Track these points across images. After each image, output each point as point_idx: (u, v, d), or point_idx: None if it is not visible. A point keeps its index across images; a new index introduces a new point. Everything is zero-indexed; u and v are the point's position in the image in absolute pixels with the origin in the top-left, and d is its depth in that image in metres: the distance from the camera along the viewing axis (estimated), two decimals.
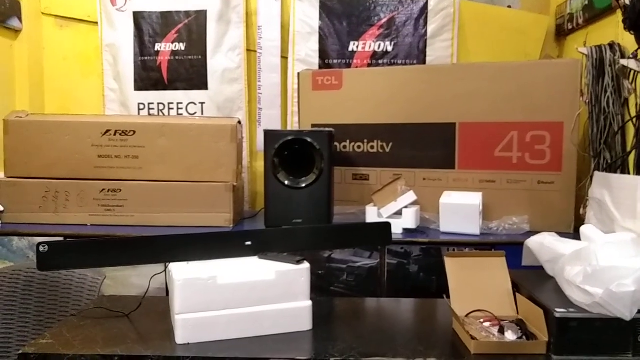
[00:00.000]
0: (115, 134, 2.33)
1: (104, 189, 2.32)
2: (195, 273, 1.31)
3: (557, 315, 1.24)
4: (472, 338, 1.27)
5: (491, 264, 1.50)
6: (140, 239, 1.36)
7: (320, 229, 1.54)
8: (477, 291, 1.46)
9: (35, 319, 1.77)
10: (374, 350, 1.26)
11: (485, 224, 2.18)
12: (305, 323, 1.38)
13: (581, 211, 2.15)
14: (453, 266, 1.49)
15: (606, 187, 1.57)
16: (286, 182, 2.13)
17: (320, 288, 2.08)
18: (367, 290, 2.08)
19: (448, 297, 1.45)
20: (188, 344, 1.28)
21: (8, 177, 2.34)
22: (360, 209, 2.34)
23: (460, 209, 2.14)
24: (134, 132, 2.33)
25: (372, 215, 2.20)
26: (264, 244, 1.47)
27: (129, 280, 2.16)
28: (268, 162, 2.13)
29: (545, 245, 1.48)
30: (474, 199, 2.15)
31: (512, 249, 2.08)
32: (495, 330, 1.35)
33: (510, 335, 1.32)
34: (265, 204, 2.17)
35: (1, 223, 2.30)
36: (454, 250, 2.08)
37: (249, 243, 1.45)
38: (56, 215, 2.31)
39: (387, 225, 1.55)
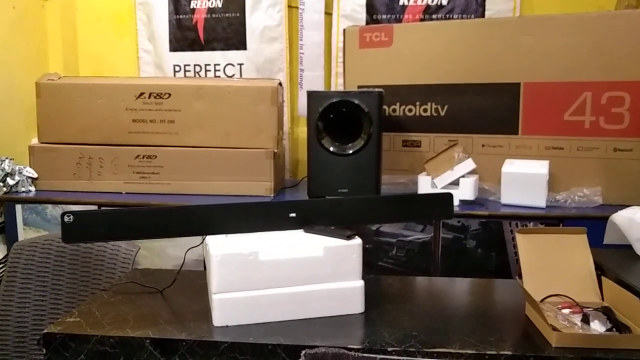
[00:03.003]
0: (149, 97, 2.20)
1: (138, 155, 2.20)
2: (234, 247, 1.16)
3: None
4: (553, 329, 1.09)
5: (570, 241, 1.30)
6: (173, 209, 1.21)
7: (372, 200, 1.36)
8: (554, 273, 1.27)
9: (68, 292, 1.68)
10: (437, 339, 1.10)
11: (552, 195, 1.96)
12: (356, 305, 1.22)
13: None
14: (526, 243, 1.29)
15: None
16: (331, 149, 1.96)
17: (367, 263, 1.90)
18: (419, 267, 1.92)
19: (520, 277, 1.27)
20: (227, 326, 1.15)
21: (42, 143, 2.25)
22: (411, 178, 2.15)
23: (525, 178, 1.93)
24: (169, 94, 2.19)
25: (425, 185, 2.01)
26: (310, 216, 1.31)
27: (165, 251, 2.05)
28: (311, 127, 1.96)
29: (637, 222, 1.27)
30: (540, 167, 1.93)
31: (582, 224, 1.87)
32: (577, 319, 1.17)
33: (596, 326, 1.13)
34: (308, 172, 2.01)
35: (35, 190, 2.22)
36: (516, 225, 1.88)
37: (293, 215, 1.30)
38: (90, 182, 2.21)
39: (449, 197, 1.37)
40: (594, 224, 1.85)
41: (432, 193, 1.36)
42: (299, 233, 1.28)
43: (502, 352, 1.05)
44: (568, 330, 1.11)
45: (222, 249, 1.15)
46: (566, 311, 1.21)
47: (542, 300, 1.23)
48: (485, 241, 1.89)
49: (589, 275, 1.26)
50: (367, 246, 1.92)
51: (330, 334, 1.11)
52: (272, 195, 2.12)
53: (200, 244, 1.32)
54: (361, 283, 1.22)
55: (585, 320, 1.15)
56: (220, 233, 1.24)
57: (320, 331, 1.12)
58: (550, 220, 1.88)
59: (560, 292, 1.24)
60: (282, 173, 2.37)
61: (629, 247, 1.32)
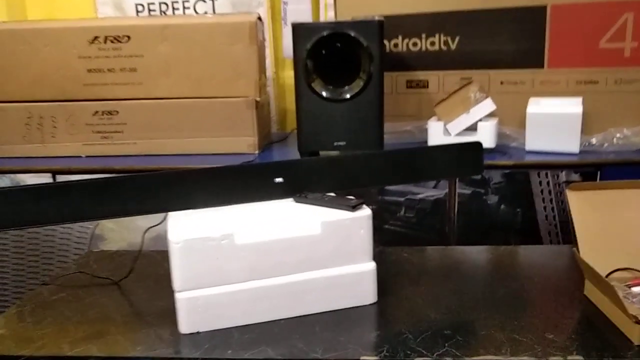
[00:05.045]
0: (105, 42, 1.84)
1: (97, 112, 1.87)
2: (202, 229, 0.86)
3: None
4: (636, 320, 0.81)
5: (636, 197, 1.02)
6: (113, 180, 0.90)
7: (379, 157, 1.06)
8: (619, 239, 0.99)
9: (15, 286, 1.39)
10: (477, 340, 0.82)
11: (585, 138, 1.66)
12: (367, 295, 0.95)
13: None
14: (581, 203, 1.01)
15: None
16: (323, 93, 1.64)
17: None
18: (432, 229, 1.64)
19: (575, 245, 0.98)
20: (198, 333, 0.87)
21: None
22: (418, 125, 1.85)
23: (554, 120, 1.62)
24: (128, 37, 1.83)
25: (436, 132, 1.71)
26: (302, 181, 1.01)
27: (135, 222, 1.75)
28: (299, 67, 1.62)
29: None
30: (572, 105, 1.62)
31: (623, 171, 1.60)
32: None
33: None
34: (297, 123, 1.69)
35: None
36: (546, 175, 1.60)
37: (279, 180, 1.00)
38: (43, 146, 1.89)
39: (477, 147, 1.07)
40: (635, 170, 1.57)
41: (454, 144, 1.07)
42: (289, 204, 0.99)
43: (569, 358, 0.77)
44: None
45: (184, 233, 0.85)
46: (638, 289, 0.93)
47: (606, 277, 0.95)
48: (509, 196, 1.60)
49: None
50: (370, 207, 1.63)
51: (335, 338, 0.83)
52: (257, 152, 1.82)
53: (162, 222, 1.02)
54: (372, 266, 0.94)
55: None
56: (182, 209, 0.94)
57: (321, 336, 0.84)
58: (586, 167, 1.59)
59: (628, 265, 0.96)
60: (267, 126, 2.05)
61: None
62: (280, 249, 0.88)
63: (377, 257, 0.95)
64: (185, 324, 0.87)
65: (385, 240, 1.61)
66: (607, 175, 1.57)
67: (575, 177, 1.61)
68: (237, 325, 0.88)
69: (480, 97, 1.68)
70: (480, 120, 1.66)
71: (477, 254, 1.19)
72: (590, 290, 0.94)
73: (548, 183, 1.59)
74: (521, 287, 1.00)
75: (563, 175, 1.60)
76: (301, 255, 0.90)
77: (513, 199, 1.59)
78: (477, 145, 1.06)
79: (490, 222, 1.61)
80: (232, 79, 1.79)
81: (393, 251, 1.20)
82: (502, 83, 1.78)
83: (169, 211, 0.94)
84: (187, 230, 0.86)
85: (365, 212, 0.93)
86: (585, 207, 1.00)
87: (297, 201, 0.99)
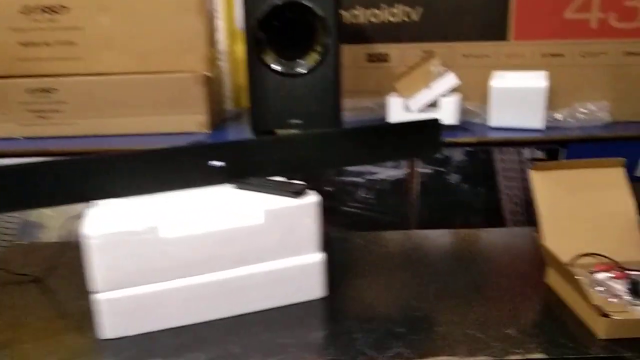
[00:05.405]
0: (39, 12, 1.68)
1: (33, 89, 1.72)
2: (122, 223, 0.76)
3: None
4: (599, 311, 0.75)
5: (603, 178, 0.95)
6: (24, 167, 0.79)
7: (329, 136, 0.97)
8: (583, 222, 0.92)
9: None
10: (430, 339, 0.75)
11: (549, 114, 1.60)
12: (315, 288, 0.86)
13: None
14: (544, 184, 0.94)
15: None
16: (276, 67, 1.53)
17: (328, 210, 1.55)
18: (393, 210, 1.56)
19: (538, 229, 0.92)
20: (122, 338, 0.77)
21: None
22: (379, 101, 1.75)
23: (518, 94, 1.55)
24: (66, 8, 1.68)
25: (396, 108, 1.62)
26: (245, 164, 0.91)
27: (76, 207, 1.63)
28: (249, 40, 1.51)
29: None
30: (538, 79, 1.55)
31: (587, 148, 1.55)
32: (620, 286, 0.83)
33: None
34: (250, 100, 1.58)
35: None
36: (510, 152, 1.53)
37: (218, 164, 0.90)
38: None
39: (435, 124, 0.99)
40: (601, 147, 1.52)
41: (410, 121, 0.99)
42: (228, 191, 0.89)
43: (529, 357, 0.70)
44: (614, 308, 0.78)
45: (101, 227, 0.75)
46: (603, 276, 0.87)
47: (570, 262, 0.89)
48: (472, 175, 1.53)
49: (630, 223, 0.92)
50: (327, 189, 1.55)
51: (276, 340, 0.75)
52: (209, 131, 1.70)
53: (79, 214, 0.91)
54: (320, 257, 0.86)
55: (635, 290, 0.82)
56: (104, 198, 0.83)
57: (261, 337, 0.76)
58: (550, 144, 1.53)
59: (593, 250, 0.90)
60: (220, 102, 1.93)
61: None
62: (215, 241, 0.79)
63: (330, 245, 0.87)
64: (107, 328, 0.77)
65: (343, 223, 1.53)
66: (572, 152, 1.52)
67: (540, 154, 1.55)
68: (166, 328, 0.78)
69: (442, 71, 1.60)
70: (443, 95, 1.58)
71: (435, 238, 1.11)
72: (553, 278, 0.88)
73: (512, 161, 1.53)
74: (481, 275, 0.94)
75: (527, 153, 1.53)
76: (240, 248, 0.80)
77: (476, 177, 1.53)
78: (435, 122, 0.98)
79: (452, 202, 1.54)
80: (179, 53, 1.66)
81: (348, 237, 1.12)
82: (464, 56, 1.69)
83: (89, 201, 0.83)
84: (105, 223, 0.76)
85: (312, 198, 0.84)
86: (550, 188, 0.93)
87: (238, 188, 0.89)
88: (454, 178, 1.55)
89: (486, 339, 0.73)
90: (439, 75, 1.60)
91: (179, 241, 0.77)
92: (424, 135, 1.00)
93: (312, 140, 0.95)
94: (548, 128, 1.57)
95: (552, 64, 1.63)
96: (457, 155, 1.54)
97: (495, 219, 1.50)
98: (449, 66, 1.65)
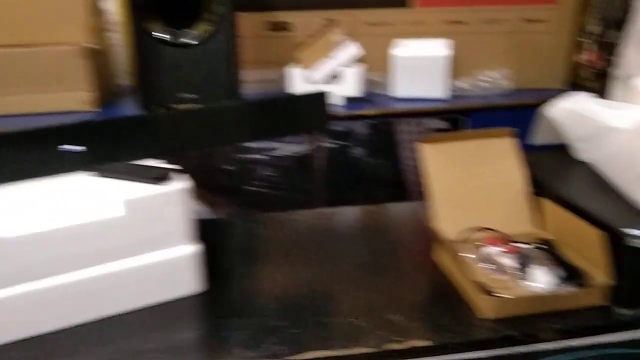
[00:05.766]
0: None
1: None
2: None
3: (633, 242, 0.70)
4: (483, 289, 0.72)
5: (493, 148, 0.92)
6: None
7: (201, 113, 0.88)
8: (474, 195, 0.89)
9: None
10: (311, 331, 0.69)
11: (453, 83, 1.58)
12: (189, 283, 0.78)
13: (576, 57, 1.60)
14: (433, 156, 0.90)
15: None
16: (163, 36, 1.40)
17: (229, 190, 1.47)
18: (298, 187, 1.50)
19: (429, 203, 0.88)
20: None
21: None
22: (282, 72, 1.67)
23: (420, 63, 1.51)
24: None
25: (297, 80, 1.54)
26: (110, 147, 0.81)
27: None
28: (131, 5, 1.37)
29: (581, 114, 0.91)
30: (440, 47, 1.52)
31: (491, 117, 1.54)
32: (509, 261, 0.81)
33: (540, 275, 0.77)
34: (137, 73, 1.45)
35: None
36: (414, 124, 1.50)
37: (73, 148, 0.79)
38: None
39: (320, 98, 0.92)
40: (504, 115, 1.52)
41: (295, 95, 0.91)
42: (86, 180, 0.78)
43: (411, 345, 0.66)
44: (501, 284, 0.75)
45: None
46: (493, 250, 0.85)
47: (461, 238, 0.86)
48: (376, 148, 1.49)
49: (521, 195, 0.90)
50: (229, 168, 1.46)
51: (137, 346, 0.67)
52: (96, 109, 1.56)
53: None
54: (193, 248, 0.77)
55: (524, 265, 0.80)
56: None
57: (121, 344, 0.67)
58: (453, 114, 1.51)
59: (484, 224, 0.87)
60: (111, 77, 1.78)
61: (561, 148, 0.97)
62: (66, 239, 0.69)
63: (216, 232, 0.79)
64: None
65: (245, 203, 1.45)
66: (476, 121, 1.51)
67: (444, 124, 1.53)
68: (12, 340, 0.68)
69: (344, 40, 1.53)
70: (345, 66, 1.52)
71: (332, 217, 1.06)
72: (440, 256, 0.84)
73: (415, 132, 1.50)
74: (373, 256, 0.89)
75: (431, 124, 1.51)
76: (97, 245, 0.71)
77: (380, 150, 1.49)
78: (319, 96, 0.91)
79: (358, 177, 1.50)
80: (56, 23, 1.50)
81: (240, 221, 1.04)
82: (368, 24, 1.63)
83: None
84: None
85: (179, 184, 0.76)
86: (439, 161, 0.89)
87: (99, 175, 0.79)
88: (358, 152, 1.51)
89: (368, 327, 0.69)
90: (341, 44, 1.54)
91: (21, 241, 0.66)
92: (311, 109, 0.93)
93: (185, 118, 0.86)
94: (453, 97, 1.56)
95: (455, 32, 1.59)
96: (362, 128, 1.49)
97: (400, 192, 1.47)
98: (352, 35, 1.59)
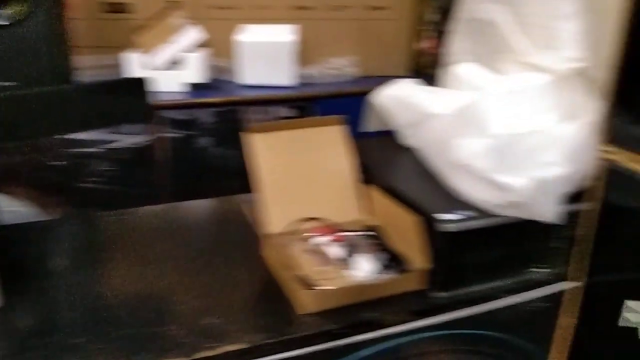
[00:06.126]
0: None
1: None
2: None
3: (443, 227, 0.72)
4: (305, 283, 0.70)
5: (322, 137, 0.91)
6: None
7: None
8: (304, 185, 0.87)
9: None
10: (110, 343, 0.63)
11: (301, 70, 1.56)
12: None
13: (417, 45, 1.66)
14: (261, 146, 0.86)
15: None
16: None
17: (60, 187, 1.33)
18: (139, 182, 1.40)
19: (257, 195, 0.84)
20: None
21: None
22: (120, 57, 1.55)
23: (265, 49, 1.48)
24: None
25: (136, 65, 1.43)
26: None
27: None
28: None
29: (405, 100, 0.92)
30: (285, 33, 1.49)
31: (339, 104, 1.54)
32: (338, 250, 0.80)
33: (364, 263, 0.77)
34: None
35: None
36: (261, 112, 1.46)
37: None
38: None
39: (138, 85, 0.84)
40: (350, 102, 1.53)
41: (107, 81, 0.83)
42: None
43: (225, 349, 0.62)
44: (325, 276, 0.74)
45: None
46: (321, 240, 0.83)
47: (289, 230, 0.83)
48: (224, 137, 1.44)
49: (349, 182, 0.89)
50: (57, 163, 1.33)
51: None
52: None
53: None
54: None
55: (350, 252, 0.79)
56: None
57: None
58: (300, 101, 1.49)
59: (314, 214, 0.85)
60: None
61: (392, 134, 0.98)
62: None
63: (21, 239, 0.68)
64: None
65: (78, 201, 1.32)
66: (324, 108, 1.50)
67: (291, 112, 1.50)
68: None
69: (184, 23, 1.45)
70: (188, 51, 1.44)
71: (170, 212, 0.99)
72: (267, 250, 0.81)
73: (262, 120, 1.46)
74: (199, 254, 0.83)
75: (279, 112, 1.48)
76: None
77: (228, 140, 1.43)
78: (137, 82, 0.83)
79: (205, 167, 1.43)
80: None
81: (68, 221, 0.93)
82: (212, 8, 1.56)
83: None
84: None
85: None
86: (268, 151, 0.86)
87: None
88: (205, 141, 1.44)
89: (180, 335, 0.64)
90: (183, 28, 1.45)
91: None
92: (128, 97, 0.85)
93: None
94: (301, 84, 1.54)
95: (301, 18, 1.57)
96: (208, 116, 1.43)
97: (249, 182, 1.42)
98: (195, 19, 1.51)
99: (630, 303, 0.70)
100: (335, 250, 0.80)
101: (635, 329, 0.67)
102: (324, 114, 1.46)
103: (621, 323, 0.70)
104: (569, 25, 0.77)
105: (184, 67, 1.43)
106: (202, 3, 1.54)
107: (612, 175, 0.68)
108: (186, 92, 1.43)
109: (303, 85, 1.52)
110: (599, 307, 0.75)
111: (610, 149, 0.68)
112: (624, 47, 0.63)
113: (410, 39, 1.65)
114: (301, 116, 1.48)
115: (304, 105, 1.49)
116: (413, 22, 1.63)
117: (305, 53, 1.55)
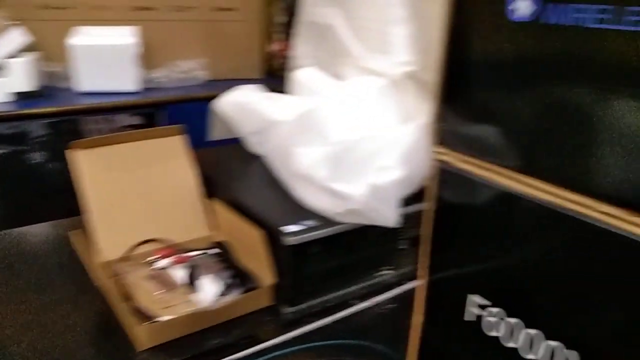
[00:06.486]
0: None
1: None
2: None
3: (286, 239, 0.69)
4: (142, 315, 0.64)
5: (161, 149, 0.84)
6: None
7: None
8: (143, 203, 0.80)
9: None
10: None
11: (146, 74, 1.46)
12: None
13: (269, 47, 1.64)
14: (88, 164, 0.78)
15: (339, 3, 0.97)
16: None
17: None
18: None
19: (85, 221, 0.76)
20: None
21: None
22: None
23: (104, 53, 1.36)
24: None
25: None
26: None
27: None
28: None
29: (247, 107, 0.88)
30: (125, 36, 1.39)
31: (187, 110, 1.46)
32: (182, 272, 0.74)
33: (208, 285, 0.72)
34: None
35: None
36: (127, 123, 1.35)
37: None
38: None
39: None
40: (201, 106, 1.47)
41: None
42: None
43: None
44: (165, 304, 0.68)
45: None
46: (164, 263, 0.77)
47: (125, 255, 0.75)
48: (59, 152, 1.29)
49: (193, 197, 0.83)
50: None
51: None
52: None
53: None
54: None
55: (194, 274, 0.74)
56: None
57: None
58: (147, 108, 1.40)
59: (154, 234, 0.79)
60: None
61: (239, 142, 0.94)
62: None
63: None
64: None
65: None
66: (173, 114, 1.42)
67: (138, 120, 1.40)
68: None
69: (8, 26, 1.28)
70: (12, 56, 1.28)
71: None
72: (102, 279, 0.73)
73: (106, 130, 1.35)
74: (20, 289, 0.73)
75: (124, 120, 1.37)
76: None
77: (62, 155, 1.29)
78: None
79: (39, 187, 1.28)
80: None
81: None
82: (41, 8, 1.40)
83: None
84: None
85: None
86: (96, 169, 0.77)
87: None
88: (38, 157, 1.29)
89: None
90: (4, 30, 1.28)
91: None
92: None
93: None
94: (146, 90, 1.44)
95: (144, 19, 1.47)
96: (39, 128, 1.28)
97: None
98: (21, 20, 1.34)
99: (472, 297, 0.73)
100: (180, 273, 0.75)
101: (479, 322, 0.69)
102: (173, 119, 1.39)
103: (467, 317, 0.73)
104: (399, 30, 0.78)
105: (7, 74, 1.27)
106: (28, 2, 1.38)
107: (445, 175, 0.70)
108: (11, 102, 1.27)
109: (148, 90, 1.43)
110: (444, 303, 0.77)
111: (441, 150, 0.69)
112: (446, 51, 0.65)
113: (262, 41, 1.62)
114: (149, 124, 1.39)
115: (151, 111, 1.39)
116: (263, 23, 1.61)
117: (150, 56, 1.46)
